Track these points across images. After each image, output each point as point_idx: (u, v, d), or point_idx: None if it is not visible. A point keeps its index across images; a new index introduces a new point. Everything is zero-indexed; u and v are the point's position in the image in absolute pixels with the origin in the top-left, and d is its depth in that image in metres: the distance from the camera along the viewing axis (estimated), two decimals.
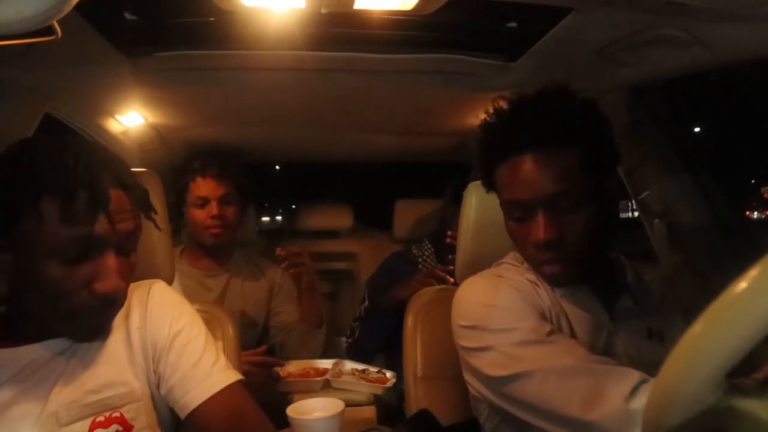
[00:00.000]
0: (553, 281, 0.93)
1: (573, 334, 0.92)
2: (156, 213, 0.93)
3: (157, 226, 0.96)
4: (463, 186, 1.23)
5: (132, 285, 0.93)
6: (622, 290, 0.98)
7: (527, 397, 0.81)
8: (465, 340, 0.93)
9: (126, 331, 0.91)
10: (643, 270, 1.03)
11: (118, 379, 0.87)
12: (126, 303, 0.90)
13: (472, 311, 0.93)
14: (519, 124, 0.88)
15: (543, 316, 0.90)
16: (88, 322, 0.83)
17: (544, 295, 0.94)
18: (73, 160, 0.78)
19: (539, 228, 0.86)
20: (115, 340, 0.89)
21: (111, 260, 0.80)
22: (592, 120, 0.89)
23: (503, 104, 0.92)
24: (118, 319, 0.90)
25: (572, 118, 0.87)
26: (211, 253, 1.85)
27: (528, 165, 0.86)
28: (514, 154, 0.87)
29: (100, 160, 0.81)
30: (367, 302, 1.96)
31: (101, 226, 0.78)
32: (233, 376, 0.92)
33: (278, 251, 1.77)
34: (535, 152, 0.86)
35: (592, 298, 0.94)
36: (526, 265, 0.98)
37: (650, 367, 0.84)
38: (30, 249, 0.77)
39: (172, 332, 0.91)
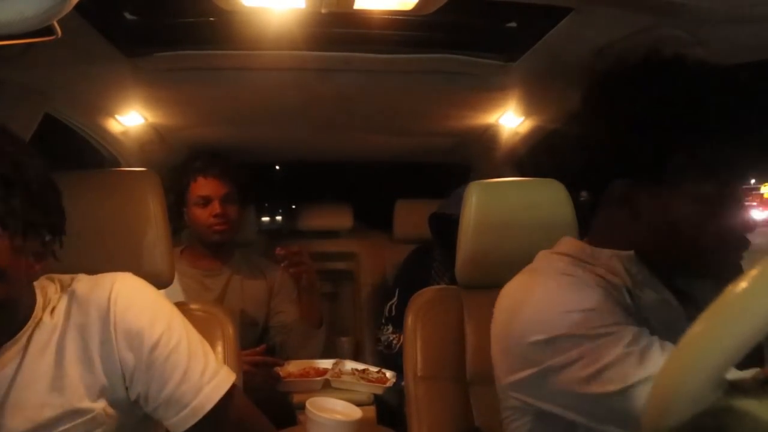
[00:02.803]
0: (731, 274, 0.75)
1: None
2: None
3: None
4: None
5: (86, 281, 0.84)
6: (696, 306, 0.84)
7: (630, 411, 0.69)
8: (544, 356, 0.77)
9: (81, 345, 0.79)
10: None
11: (74, 407, 0.77)
12: (77, 308, 0.80)
13: (551, 320, 0.77)
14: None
15: (626, 314, 0.77)
16: None
17: (628, 300, 0.81)
18: None
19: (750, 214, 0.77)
20: (69, 359, 0.78)
21: None
22: None
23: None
24: (71, 331, 0.79)
25: None
26: (211, 253, 1.85)
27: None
28: (738, 128, 0.77)
29: None
30: (396, 299, 1.97)
31: None
32: (226, 381, 0.84)
33: (278, 251, 1.77)
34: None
35: (682, 315, 0.82)
36: (609, 259, 0.84)
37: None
38: None
39: (147, 346, 0.80)
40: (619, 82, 0.82)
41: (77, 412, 0.78)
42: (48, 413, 0.77)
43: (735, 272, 0.76)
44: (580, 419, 0.77)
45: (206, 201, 1.79)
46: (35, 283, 0.82)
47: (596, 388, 0.72)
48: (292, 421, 1.54)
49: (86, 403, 0.78)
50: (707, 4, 0.88)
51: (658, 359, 0.70)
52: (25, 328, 0.79)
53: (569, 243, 0.90)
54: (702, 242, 0.79)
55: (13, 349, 0.78)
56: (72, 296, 0.83)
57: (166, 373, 0.80)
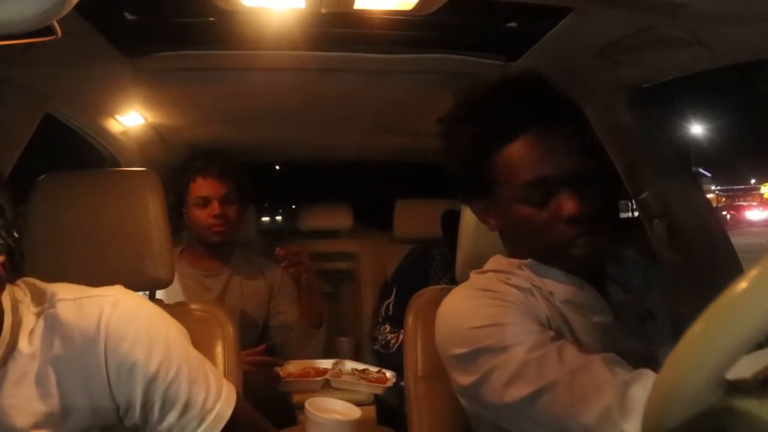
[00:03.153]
0: (584, 264, 0.86)
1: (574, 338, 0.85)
2: None
3: None
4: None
5: (69, 305, 0.74)
6: (612, 281, 0.92)
7: (540, 415, 0.75)
8: (461, 370, 0.85)
9: (66, 378, 0.71)
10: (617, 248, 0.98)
11: None
12: (59, 336, 0.71)
13: (464, 336, 0.84)
14: (524, 102, 0.85)
15: (542, 324, 0.83)
16: None
17: (542, 302, 0.87)
18: None
19: (569, 202, 0.81)
20: (52, 391, 0.70)
21: None
22: (574, 104, 0.90)
23: (477, 92, 0.90)
24: (53, 362, 0.70)
25: (563, 98, 0.87)
26: (211, 253, 1.85)
27: (547, 141, 0.83)
28: (525, 132, 0.84)
29: None
30: (393, 298, 1.96)
31: None
32: (229, 401, 0.78)
33: (278, 251, 1.77)
34: (549, 128, 0.84)
35: (596, 297, 0.88)
36: (519, 269, 0.90)
37: (652, 350, 0.83)
38: None
39: (144, 380, 0.73)
40: (452, 124, 0.94)
41: None
42: None
43: (589, 259, 0.85)
44: (513, 428, 0.81)
45: (205, 202, 1.79)
46: (4, 295, 0.73)
47: (510, 397, 0.77)
48: (292, 420, 1.54)
49: None
50: (707, 5, 0.88)
51: (554, 364, 0.75)
52: None
53: (494, 260, 0.98)
54: (535, 243, 0.88)
55: None
56: (53, 321, 0.73)
57: (166, 406, 0.75)
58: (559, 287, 0.88)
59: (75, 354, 0.71)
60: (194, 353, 0.80)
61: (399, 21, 1.17)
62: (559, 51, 1.21)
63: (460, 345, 0.84)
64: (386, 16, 1.12)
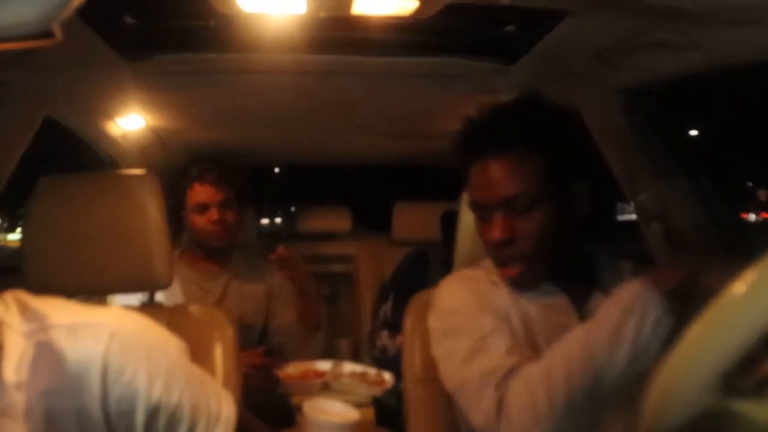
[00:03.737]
0: (513, 284, 0.96)
1: (534, 339, 0.92)
2: None
3: None
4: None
5: (62, 331, 0.66)
6: (596, 288, 0.98)
7: (463, 406, 0.89)
8: (433, 340, 1.00)
9: (56, 410, 0.64)
10: (633, 266, 1.01)
11: None
12: (49, 366, 0.64)
13: (437, 316, 1.00)
14: (484, 131, 0.94)
15: (497, 318, 0.93)
16: None
17: (503, 298, 0.96)
18: None
19: (495, 229, 0.91)
20: (41, 426, 0.63)
21: None
22: (558, 129, 0.93)
23: (481, 110, 0.98)
24: (44, 394, 0.63)
25: (536, 126, 0.91)
26: (210, 256, 1.85)
27: (489, 169, 0.92)
28: (479, 158, 0.93)
29: None
30: (391, 303, 1.96)
31: None
32: (229, 420, 0.76)
33: (270, 256, 1.77)
34: (496, 157, 0.91)
35: (561, 298, 0.95)
36: (488, 264, 1.02)
37: None
38: None
39: (144, 412, 0.68)
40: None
41: None
42: None
43: (516, 281, 0.95)
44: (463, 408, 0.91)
45: (203, 208, 1.78)
46: None
47: (449, 384, 0.93)
48: (291, 422, 1.54)
49: None
50: (704, 8, 0.88)
51: (492, 355, 0.87)
52: None
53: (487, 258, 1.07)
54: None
55: None
56: (44, 350, 0.65)
57: None
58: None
59: (67, 386, 0.65)
60: (194, 374, 0.76)
61: (398, 24, 1.18)
62: (557, 54, 1.22)
63: (434, 319, 1.00)
64: (385, 20, 1.13)
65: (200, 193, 1.78)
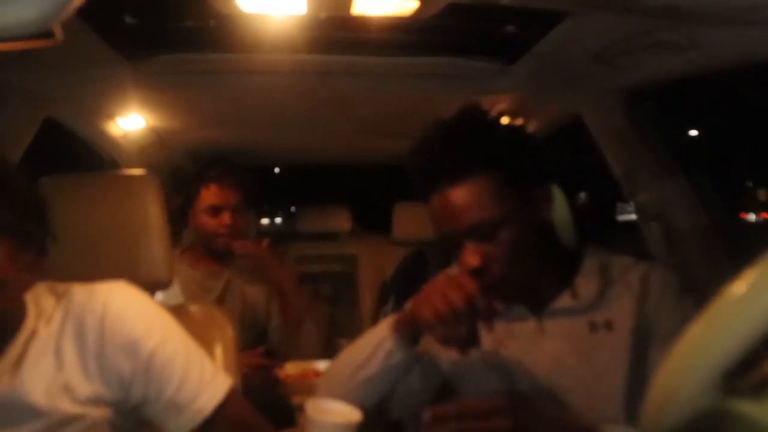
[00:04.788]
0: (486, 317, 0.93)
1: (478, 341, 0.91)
2: None
3: None
4: None
5: (81, 291, 0.85)
6: (564, 287, 0.95)
7: None
8: None
9: (78, 354, 0.81)
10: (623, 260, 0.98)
11: (73, 413, 0.78)
12: (72, 319, 0.82)
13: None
14: (435, 161, 0.91)
15: None
16: None
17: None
18: None
19: (468, 257, 0.88)
20: (68, 367, 0.80)
21: None
22: (507, 141, 0.91)
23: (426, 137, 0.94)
24: (68, 340, 0.81)
25: (487, 145, 0.89)
26: (211, 256, 1.85)
27: (449, 198, 0.88)
28: (437, 189, 0.90)
29: None
30: (391, 305, 1.95)
31: None
32: (224, 386, 0.86)
33: (235, 245, 1.73)
34: (453, 185, 0.88)
35: (514, 302, 0.95)
36: None
37: (593, 359, 0.89)
38: None
39: (144, 354, 0.81)
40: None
41: (77, 418, 0.79)
42: (47, 420, 0.77)
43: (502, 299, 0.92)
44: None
45: (216, 210, 1.77)
46: (29, 293, 0.84)
47: None
48: (291, 422, 1.54)
49: (85, 410, 0.79)
50: (704, 9, 0.88)
51: None
52: (16, 339, 0.80)
53: None
54: None
55: (7, 361, 0.79)
56: (68, 306, 0.84)
57: (163, 379, 0.82)
58: None
59: (85, 333, 0.81)
60: (191, 342, 0.87)
61: (398, 25, 1.18)
62: (557, 55, 1.22)
63: None
64: (385, 20, 1.13)
65: (216, 194, 1.76)
